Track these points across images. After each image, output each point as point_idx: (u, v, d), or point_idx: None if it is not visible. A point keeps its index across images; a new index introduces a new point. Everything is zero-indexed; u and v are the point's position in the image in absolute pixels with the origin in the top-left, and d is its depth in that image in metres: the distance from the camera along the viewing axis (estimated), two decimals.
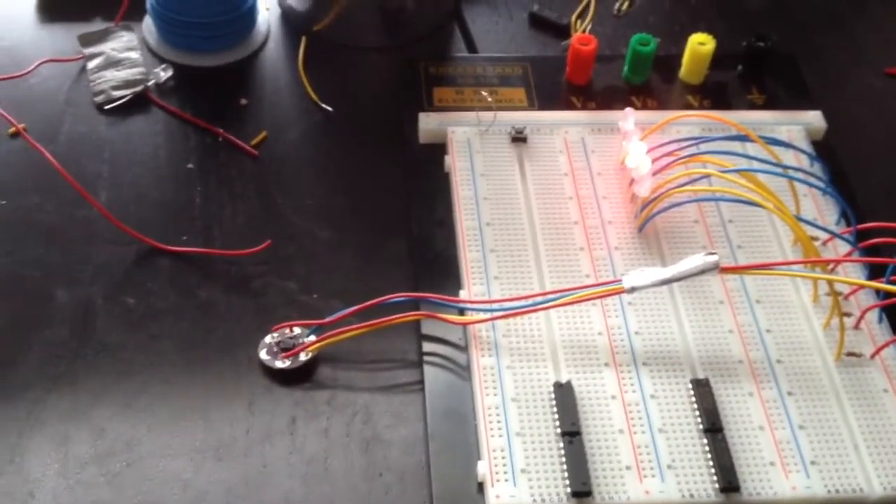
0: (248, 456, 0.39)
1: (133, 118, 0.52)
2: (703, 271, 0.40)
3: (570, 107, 0.53)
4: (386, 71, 0.56)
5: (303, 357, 0.42)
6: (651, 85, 0.55)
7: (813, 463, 0.39)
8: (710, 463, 0.38)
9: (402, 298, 0.42)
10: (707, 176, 0.44)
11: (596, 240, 0.46)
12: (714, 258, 0.40)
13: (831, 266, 0.44)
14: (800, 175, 0.47)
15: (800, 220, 0.43)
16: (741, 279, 0.44)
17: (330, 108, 0.53)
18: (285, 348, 0.42)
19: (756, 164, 0.45)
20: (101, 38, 0.55)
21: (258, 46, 0.57)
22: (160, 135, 0.51)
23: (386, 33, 0.58)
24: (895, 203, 0.51)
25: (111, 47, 0.55)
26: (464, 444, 0.39)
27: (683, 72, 0.55)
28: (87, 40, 0.55)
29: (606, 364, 0.41)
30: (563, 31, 0.59)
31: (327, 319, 0.42)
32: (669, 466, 0.38)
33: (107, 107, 0.52)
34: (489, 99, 0.52)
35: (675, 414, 0.40)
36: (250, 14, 0.56)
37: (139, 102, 0.53)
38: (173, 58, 0.55)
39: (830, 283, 0.41)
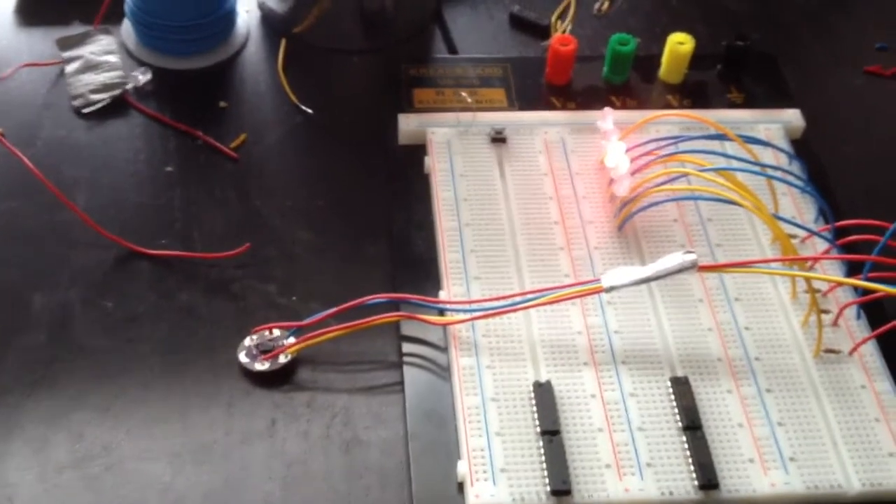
0: (228, 459, 0.39)
1: (112, 122, 0.52)
2: (681, 270, 0.40)
3: (550, 107, 0.53)
4: (366, 73, 0.56)
5: (282, 359, 0.42)
6: (631, 85, 0.55)
7: (792, 459, 0.39)
8: (690, 460, 0.38)
9: (381, 300, 0.42)
10: (686, 175, 0.44)
11: (576, 239, 0.46)
12: (692, 257, 0.40)
13: (809, 263, 0.44)
14: (778, 174, 0.47)
15: (778, 218, 0.43)
16: (720, 277, 0.45)
17: (310, 111, 0.53)
18: (264, 350, 0.42)
19: (734, 163, 0.45)
20: (79, 41, 0.55)
21: (238, 49, 0.56)
22: (139, 138, 0.51)
23: (366, 35, 0.58)
24: (873, 201, 0.51)
25: (90, 51, 0.55)
26: (444, 444, 0.39)
27: (663, 71, 0.55)
28: (65, 44, 0.55)
29: (586, 363, 0.41)
30: (544, 32, 0.59)
31: (306, 321, 0.42)
32: (649, 464, 0.38)
33: (85, 110, 0.52)
34: (469, 100, 0.52)
35: (655, 412, 0.40)
36: (229, 17, 0.56)
37: (118, 106, 0.52)
38: (152, 61, 0.55)
39: (808, 280, 0.41)
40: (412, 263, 0.45)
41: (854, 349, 0.42)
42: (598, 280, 0.41)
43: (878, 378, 0.41)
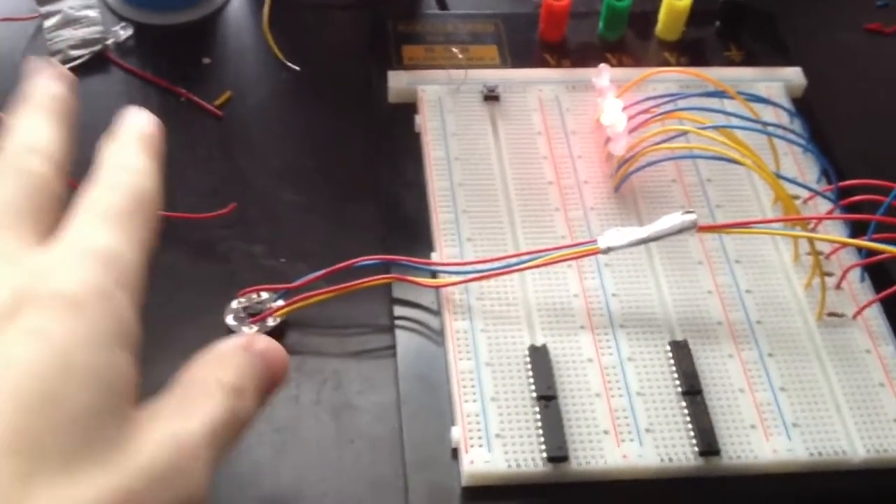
0: None
1: (91, 78, 0.50)
2: (680, 230, 0.39)
3: (543, 64, 0.52)
4: (354, 29, 0.55)
5: (270, 322, 0.40)
6: (627, 42, 0.53)
7: (794, 425, 0.38)
8: (690, 426, 0.37)
9: (371, 261, 0.41)
10: (684, 133, 0.43)
11: (571, 200, 0.45)
12: (692, 217, 0.39)
13: (812, 224, 0.43)
14: (780, 132, 0.45)
15: (780, 177, 0.42)
16: (720, 239, 0.43)
17: (297, 68, 0.52)
18: (252, 313, 0.41)
19: (735, 121, 0.44)
20: None
21: (221, 4, 0.55)
22: (120, 95, 0.50)
23: None
24: (875, 160, 0.50)
25: (68, 5, 0.53)
26: (437, 409, 0.38)
27: (660, 28, 0.53)
28: None
29: (583, 327, 0.40)
30: None
31: (295, 283, 0.41)
32: (648, 430, 0.37)
33: (64, 67, 0.50)
34: (460, 56, 0.50)
35: (654, 377, 0.39)
36: None
37: (98, 62, 0.51)
38: (133, 16, 0.53)
39: (811, 241, 0.40)
40: (403, 224, 0.44)
41: (858, 312, 0.41)
42: (594, 241, 0.39)
43: (882, 342, 0.40)
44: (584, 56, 0.52)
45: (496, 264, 0.40)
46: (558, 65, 0.51)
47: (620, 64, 0.52)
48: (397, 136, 0.47)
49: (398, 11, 0.54)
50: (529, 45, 0.52)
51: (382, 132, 0.48)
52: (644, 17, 0.54)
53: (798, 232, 0.41)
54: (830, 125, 0.50)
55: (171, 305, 0.41)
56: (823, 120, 0.50)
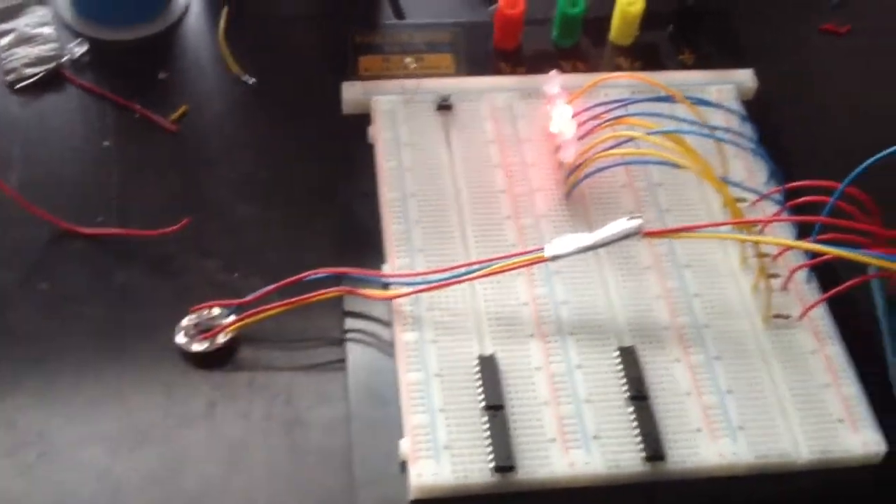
0: (167, 442, 0.38)
1: (47, 96, 0.50)
2: (626, 236, 0.39)
3: (499, 72, 0.52)
4: (311, 40, 0.55)
5: (221, 339, 0.41)
6: (581, 48, 0.53)
7: (740, 428, 0.38)
8: (636, 432, 0.38)
9: (323, 274, 0.41)
10: (632, 139, 0.43)
11: (523, 208, 0.45)
12: (636, 222, 0.39)
13: (759, 227, 0.44)
14: (728, 136, 0.46)
15: (726, 181, 0.42)
16: (670, 244, 0.44)
17: (253, 80, 0.52)
18: (203, 330, 0.41)
19: (682, 126, 0.44)
20: (12, 13, 0.53)
21: (178, 18, 0.55)
22: (75, 112, 0.50)
23: (310, 2, 0.57)
24: (827, 161, 0.50)
25: (24, 23, 0.53)
26: (387, 422, 0.38)
27: (613, 33, 0.54)
28: None
29: (532, 335, 0.40)
30: None
31: (247, 298, 0.41)
32: (595, 437, 0.37)
33: (19, 85, 0.50)
34: (413, 66, 0.51)
35: (602, 383, 0.39)
36: None
37: (53, 80, 0.51)
38: (89, 32, 0.53)
39: (756, 244, 0.41)
40: (356, 236, 0.44)
41: (804, 313, 0.41)
42: (541, 249, 0.40)
43: (828, 342, 0.41)
44: (538, 63, 0.52)
45: (445, 275, 0.41)
46: (513, 72, 0.52)
47: (575, 70, 0.52)
48: (352, 147, 0.48)
49: (356, 22, 0.55)
50: (485, 53, 0.53)
51: (337, 144, 0.48)
52: (598, 23, 0.54)
53: (744, 235, 0.41)
54: (783, 126, 0.51)
55: (123, 323, 0.41)
56: (776, 121, 0.50)
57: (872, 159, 0.40)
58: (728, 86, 0.51)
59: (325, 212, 0.46)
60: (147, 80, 0.51)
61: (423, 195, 0.45)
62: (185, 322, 0.41)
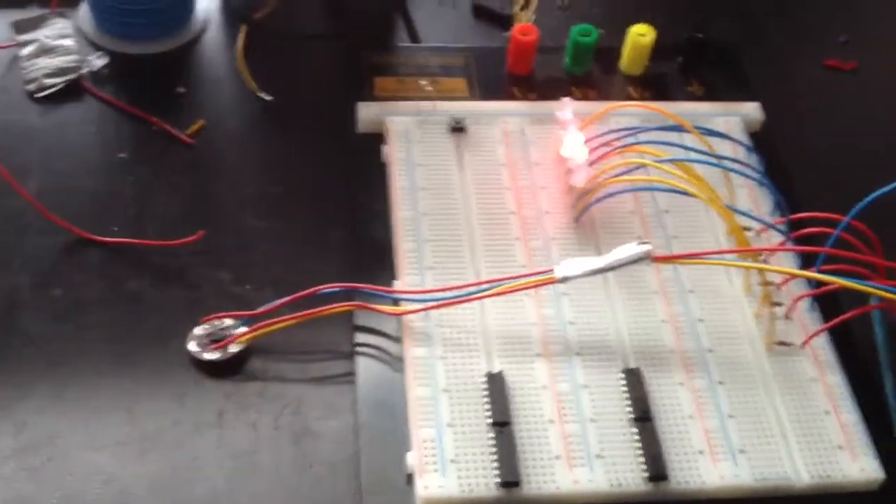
0: (175, 449, 0.39)
1: (66, 107, 0.51)
2: (635, 260, 0.40)
3: (511, 97, 0.53)
4: (327, 60, 0.56)
5: (233, 349, 0.41)
6: (592, 76, 0.54)
7: (741, 451, 0.39)
8: (640, 452, 0.38)
9: (334, 289, 0.42)
10: (642, 166, 0.44)
11: (532, 230, 0.46)
12: (646, 247, 0.40)
13: (763, 256, 0.44)
14: (735, 166, 0.47)
15: (733, 210, 0.43)
16: (675, 269, 0.45)
17: (270, 97, 0.53)
18: (215, 340, 0.41)
19: (691, 155, 0.45)
20: (35, 24, 0.54)
21: (196, 34, 0.56)
22: (93, 123, 0.51)
23: (328, 22, 0.58)
24: (832, 194, 0.51)
25: (45, 34, 0.54)
26: (395, 435, 0.39)
27: (624, 63, 0.55)
28: (20, 27, 0.54)
29: (539, 354, 0.41)
30: (506, 22, 0.59)
31: (258, 310, 0.42)
32: (599, 456, 0.38)
33: (39, 95, 0.51)
34: (428, 88, 0.51)
35: (607, 403, 0.40)
36: (188, 1, 0.55)
37: (73, 91, 0.52)
38: (109, 45, 0.54)
39: (761, 272, 0.41)
40: (368, 252, 0.45)
41: (806, 342, 0.42)
42: (551, 270, 0.40)
43: (829, 371, 0.42)
44: (550, 89, 0.53)
45: (456, 292, 0.41)
46: (525, 98, 0.53)
47: (586, 98, 0.53)
48: (366, 166, 0.49)
49: (372, 43, 0.56)
50: (498, 78, 0.54)
51: (351, 162, 0.49)
52: (609, 53, 0.55)
53: (749, 263, 0.42)
54: (788, 159, 0.52)
55: (135, 331, 0.42)
56: (781, 153, 0.51)
57: (877, 193, 0.40)
58: (735, 118, 0.52)
59: (337, 228, 0.47)
60: (165, 93, 0.52)
61: (434, 214, 0.46)
62: (197, 331, 0.41)
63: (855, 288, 0.38)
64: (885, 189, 0.40)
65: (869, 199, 0.41)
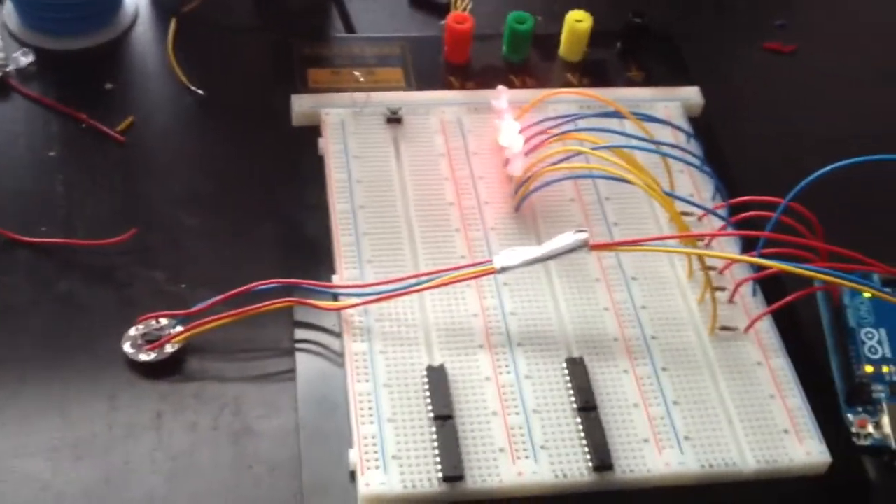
0: (110, 453, 0.38)
1: None
2: (572, 249, 0.40)
3: (448, 86, 0.52)
4: (260, 52, 0.54)
5: (169, 349, 0.40)
6: (531, 63, 0.54)
7: (686, 438, 0.38)
8: (584, 442, 0.38)
9: (271, 285, 0.41)
10: (580, 153, 0.44)
11: (472, 221, 0.45)
12: (583, 236, 0.40)
13: (705, 241, 0.44)
14: (674, 151, 0.46)
15: (672, 196, 0.43)
16: (617, 257, 0.44)
17: (201, 92, 0.52)
18: (150, 340, 0.40)
19: (629, 141, 0.45)
20: None
21: (125, 29, 0.54)
22: (20, 122, 0.49)
23: (260, 14, 0.57)
24: (771, 177, 0.51)
25: None
26: (336, 432, 0.38)
27: (562, 49, 0.54)
28: None
29: (481, 346, 0.40)
30: (444, 11, 0.58)
31: (194, 309, 0.41)
32: (543, 447, 0.38)
33: None
34: (361, 79, 0.51)
35: (550, 394, 0.39)
36: None
37: None
38: (35, 42, 0.53)
39: (701, 258, 0.41)
40: (305, 247, 0.44)
41: (749, 326, 0.42)
42: (490, 261, 0.40)
43: (773, 355, 0.41)
44: (488, 78, 0.52)
45: (394, 286, 0.41)
46: (463, 87, 0.52)
47: (524, 85, 0.52)
48: (301, 159, 0.48)
49: (306, 34, 0.55)
50: (435, 67, 0.53)
51: (286, 155, 0.48)
52: (548, 39, 0.54)
53: (688, 249, 0.41)
54: (728, 143, 0.51)
55: (67, 333, 0.41)
56: (721, 137, 0.51)
57: (814, 175, 0.40)
58: (674, 103, 0.52)
59: (273, 223, 0.46)
60: (94, 90, 0.51)
61: (372, 207, 0.45)
62: (131, 332, 0.40)
63: (793, 272, 0.38)
64: (823, 171, 0.40)
65: (807, 181, 0.41)
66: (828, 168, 0.40)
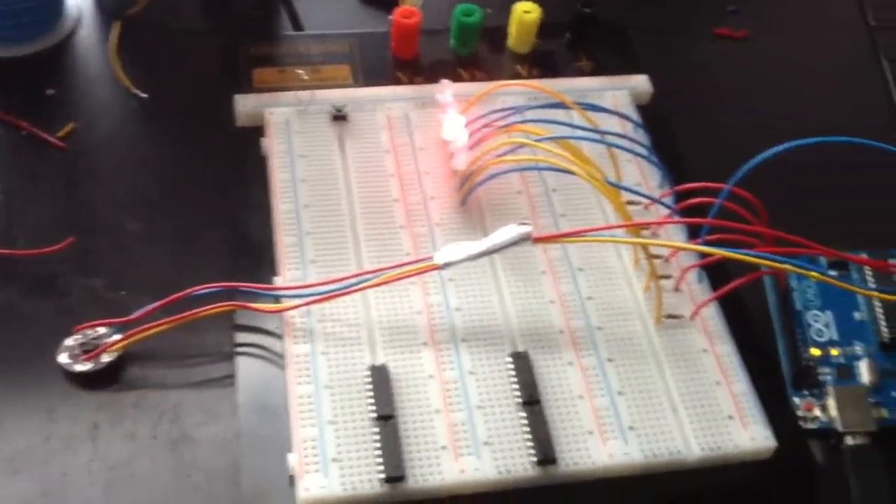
0: (47, 466, 0.37)
1: None
2: (515, 242, 0.39)
3: (396, 82, 0.52)
4: (206, 54, 0.54)
5: (106, 358, 0.40)
6: (479, 56, 0.53)
7: (631, 428, 0.38)
8: (528, 437, 0.37)
9: (211, 289, 0.40)
10: (523, 146, 0.43)
11: (417, 217, 0.45)
12: (526, 228, 0.39)
13: (651, 230, 0.44)
14: (620, 141, 0.46)
15: (617, 186, 0.42)
16: (564, 248, 0.44)
17: (144, 95, 0.51)
18: (88, 350, 0.40)
19: (573, 132, 0.44)
20: None
21: (67, 34, 0.54)
22: None
23: (206, 14, 0.56)
24: (723, 164, 0.51)
25: None
26: (277, 437, 0.37)
27: (511, 41, 0.54)
28: None
29: (425, 343, 0.40)
30: (392, 6, 0.57)
31: (132, 316, 0.40)
32: (486, 443, 0.37)
33: None
34: (305, 77, 0.50)
35: (494, 389, 0.39)
36: (56, 1, 0.53)
37: None
38: None
39: (645, 247, 0.41)
40: (249, 249, 0.44)
41: (694, 313, 0.42)
42: (431, 257, 0.39)
43: (718, 341, 0.41)
44: (437, 72, 0.52)
45: (336, 285, 0.40)
46: (411, 82, 0.51)
47: (473, 78, 0.52)
48: (246, 160, 0.47)
49: (253, 34, 0.54)
50: (383, 63, 0.52)
51: (231, 157, 0.47)
52: (496, 31, 0.54)
53: (631, 238, 0.41)
54: (679, 130, 0.51)
55: (5, 346, 0.40)
56: (671, 125, 0.51)
57: (756, 160, 0.40)
58: (623, 91, 0.51)
59: (218, 226, 0.45)
60: (34, 96, 0.50)
61: (316, 206, 0.44)
62: (68, 342, 0.40)
63: (736, 258, 0.38)
64: (763, 155, 0.40)
65: (748, 166, 0.40)
66: (769, 152, 0.40)
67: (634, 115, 0.49)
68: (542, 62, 0.54)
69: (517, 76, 0.53)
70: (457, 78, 0.51)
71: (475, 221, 0.45)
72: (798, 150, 0.40)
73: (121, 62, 0.52)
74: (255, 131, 0.48)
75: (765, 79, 0.57)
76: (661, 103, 0.52)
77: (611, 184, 0.41)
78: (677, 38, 0.59)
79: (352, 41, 0.54)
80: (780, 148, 0.40)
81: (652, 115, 0.51)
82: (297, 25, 0.57)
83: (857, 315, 0.44)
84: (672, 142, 0.50)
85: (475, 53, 0.54)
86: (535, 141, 0.42)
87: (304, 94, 0.49)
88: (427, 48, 0.53)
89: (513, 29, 0.53)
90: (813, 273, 0.40)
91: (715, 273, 0.43)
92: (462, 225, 0.44)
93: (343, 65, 0.52)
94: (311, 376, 0.38)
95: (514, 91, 0.49)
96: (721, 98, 0.55)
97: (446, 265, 0.39)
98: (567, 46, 0.55)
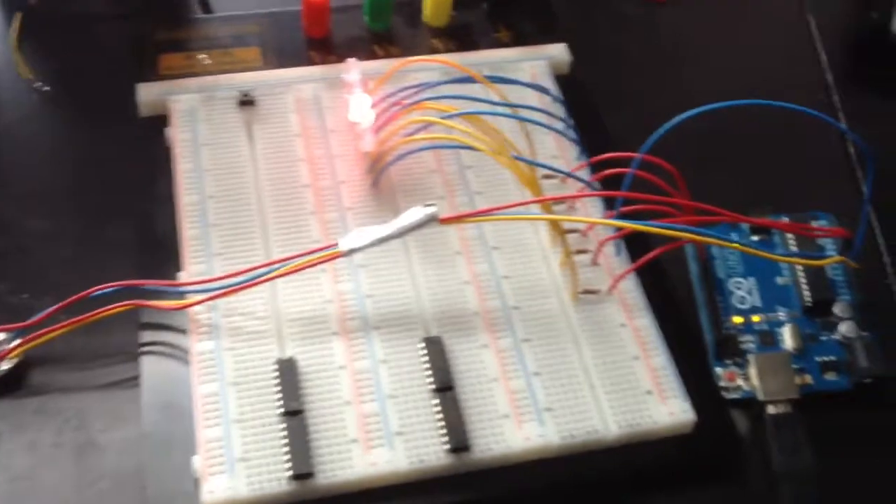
0: None
1: None
2: (422, 224, 0.38)
3: (309, 62, 0.50)
4: (112, 42, 0.52)
5: (5, 365, 0.38)
6: (395, 31, 0.52)
7: (548, 409, 0.37)
8: (441, 424, 0.36)
9: (111, 288, 0.39)
10: (431, 124, 0.42)
11: (328, 202, 0.43)
12: (431, 209, 0.38)
13: (567, 203, 0.43)
14: (535, 115, 0.45)
15: (522, 160, 0.41)
16: (479, 227, 0.43)
17: (47, 88, 0.49)
18: None
19: (482, 107, 0.43)
20: None
21: None
22: None
23: (115, 2, 0.54)
24: (648, 133, 0.50)
25: None
26: (183, 438, 0.36)
27: (426, 14, 0.52)
28: None
29: (335, 333, 0.39)
30: None
31: (31, 320, 0.39)
32: (398, 433, 0.36)
33: None
34: (208, 62, 0.48)
35: (407, 377, 0.38)
36: None
37: None
38: None
39: (556, 222, 0.40)
40: (154, 245, 0.42)
41: (612, 286, 0.41)
42: (335, 245, 0.38)
43: (637, 314, 0.40)
44: (351, 50, 0.50)
45: (240, 278, 0.39)
46: (325, 61, 0.50)
47: (389, 55, 0.51)
48: (150, 151, 0.46)
49: (161, 19, 0.52)
50: (294, 43, 0.51)
51: (136, 149, 0.46)
52: (411, 5, 0.53)
53: (543, 215, 0.40)
54: (599, 101, 0.50)
55: None
56: (595, 95, 0.50)
57: (665, 126, 0.39)
58: (541, 62, 0.50)
59: (123, 222, 0.44)
60: None
61: (222, 197, 0.43)
62: None
63: (648, 231, 0.37)
64: (675, 121, 0.39)
65: (659, 132, 0.39)
66: (677, 119, 0.39)
67: (551, 87, 0.48)
68: (459, 35, 0.52)
69: (434, 50, 0.51)
70: (371, 55, 0.50)
71: (388, 204, 0.44)
72: (718, 115, 0.39)
73: (23, 54, 0.50)
74: (161, 120, 0.46)
75: (692, 42, 0.56)
76: (581, 73, 0.51)
77: (518, 159, 0.40)
78: (600, 4, 0.57)
79: (262, 22, 0.52)
80: (693, 112, 0.39)
81: (572, 85, 0.50)
82: (207, 8, 0.55)
83: (779, 280, 0.43)
84: (594, 111, 0.49)
85: (390, 29, 0.52)
86: (442, 118, 0.41)
87: (209, 80, 0.47)
88: (340, 26, 0.52)
89: (427, 1, 0.52)
90: (734, 244, 0.39)
91: (635, 245, 0.42)
92: (375, 208, 0.43)
93: (253, 47, 0.51)
94: (217, 374, 0.37)
95: (426, 67, 0.48)
96: (647, 64, 0.54)
97: (350, 251, 0.38)
98: (485, 16, 0.53)
